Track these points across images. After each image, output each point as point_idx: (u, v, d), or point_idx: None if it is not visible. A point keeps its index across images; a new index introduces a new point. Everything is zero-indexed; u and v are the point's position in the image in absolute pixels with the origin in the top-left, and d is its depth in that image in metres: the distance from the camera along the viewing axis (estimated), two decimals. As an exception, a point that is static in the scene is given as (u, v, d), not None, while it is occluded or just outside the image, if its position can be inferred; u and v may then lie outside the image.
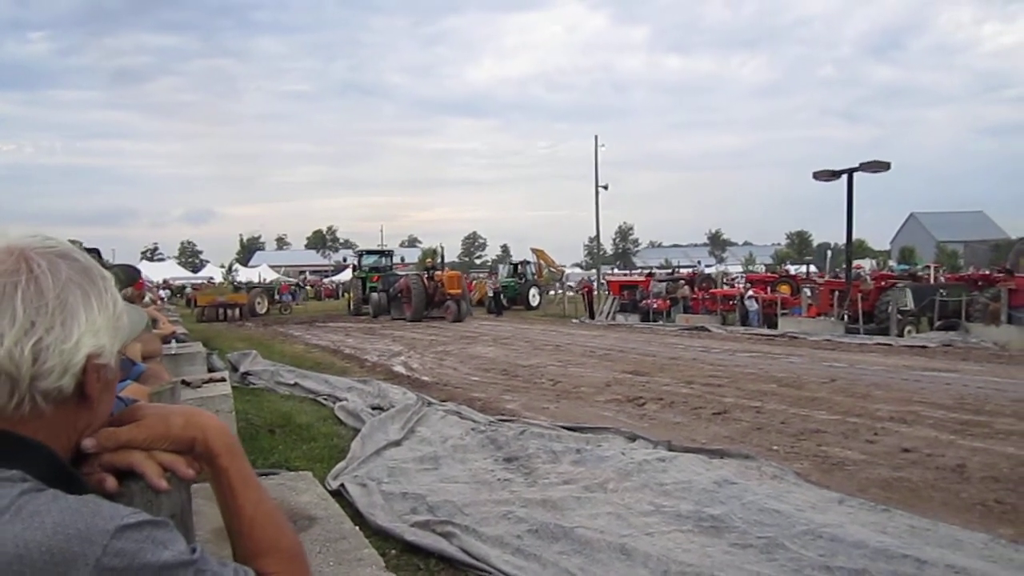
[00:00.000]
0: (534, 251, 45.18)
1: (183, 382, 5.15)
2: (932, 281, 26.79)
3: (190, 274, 76.26)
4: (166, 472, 1.01)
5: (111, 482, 0.98)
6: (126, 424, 1.02)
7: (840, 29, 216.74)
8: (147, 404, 1.10)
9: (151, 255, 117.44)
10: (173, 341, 7.40)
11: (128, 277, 4.07)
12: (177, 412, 1.06)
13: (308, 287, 59.38)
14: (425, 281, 31.06)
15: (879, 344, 17.52)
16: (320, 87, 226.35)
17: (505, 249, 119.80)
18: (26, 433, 0.91)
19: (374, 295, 34.75)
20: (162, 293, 46.23)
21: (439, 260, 36.29)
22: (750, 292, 25.70)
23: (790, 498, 5.39)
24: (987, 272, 26.09)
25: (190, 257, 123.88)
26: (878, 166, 22.50)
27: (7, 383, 0.88)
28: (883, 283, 22.89)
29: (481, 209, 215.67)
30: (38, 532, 0.81)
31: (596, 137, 49.30)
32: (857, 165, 22.51)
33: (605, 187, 49.12)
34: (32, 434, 0.91)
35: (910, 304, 20.93)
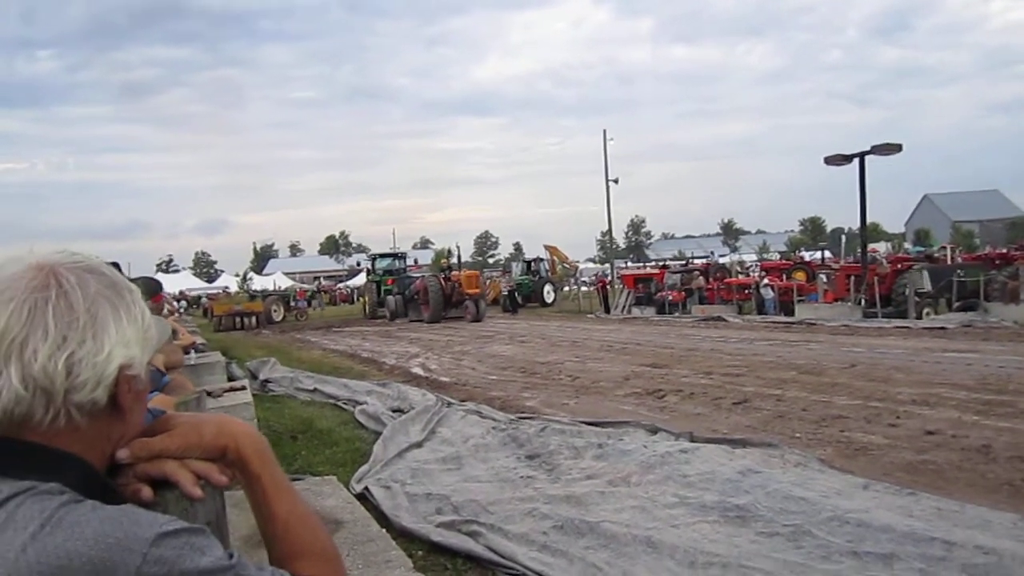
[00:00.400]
0: (547, 248, 45.18)
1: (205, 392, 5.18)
2: (949, 262, 26.57)
3: (205, 284, 76.72)
4: (200, 480, 1.02)
5: (146, 491, 0.99)
6: (158, 434, 1.03)
7: (846, 12, 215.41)
8: (178, 414, 1.11)
9: (166, 267, 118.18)
10: (192, 352, 7.46)
11: (149, 290, 4.09)
12: (208, 420, 1.07)
13: (323, 292, 59.60)
14: (442, 282, 30.73)
15: (897, 327, 17.42)
16: (327, 93, 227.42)
17: (518, 247, 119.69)
18: (62, 446, 0.92)
19: (390, 298, 34.58)
20: (177, 304, 46.50)
21: (455, 260, 35.94)
22: (765, 280, 25.61)
23: (815, 485, 5.36)
24: (1004, 251, 25.90)
25: (205, 267, 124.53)
26: (890, 148, 22.37)
27: (43, 397, 0.90)
28: (899, 266, 22.76)
29: (492, 208, 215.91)
30: (79, 543, 0.83)
31: (604, 131, 49.27)
32: (868, 148, 22.38)
33: (615, 181, 49.05)
34: (68, 447, 0.93)
35: (927, 286, 20.80)
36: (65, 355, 0.90)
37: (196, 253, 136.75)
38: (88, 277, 0.96)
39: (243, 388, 6.22)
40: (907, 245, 60.66)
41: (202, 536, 0.89)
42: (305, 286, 61.46)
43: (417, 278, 35.23)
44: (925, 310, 19.87)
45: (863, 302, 20.95)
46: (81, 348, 0.91)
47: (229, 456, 1.04)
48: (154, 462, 1.01)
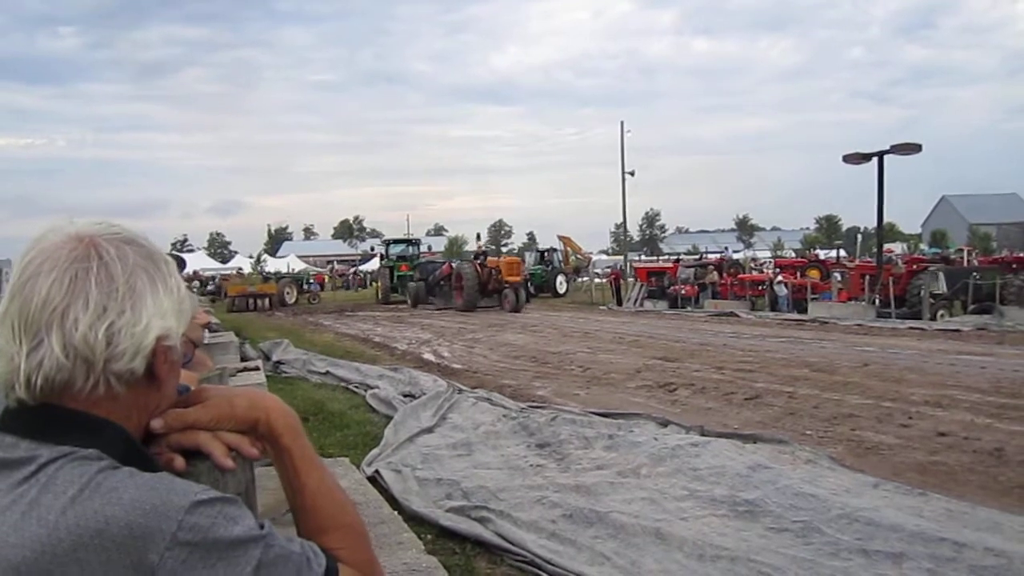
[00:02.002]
0: (561, 238, 45.04)
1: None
2: (965, 264, 26.41)
3: (220, 265, 76.98)
4: (231, 452, 1.03)
5: (179, 461, 1.01)
6: (192, 406, 1.05)
7: (869, 9, 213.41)
8: (211, 387, 1.13)
9: (181, 247, 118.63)
10: (207, 331, 7.50)
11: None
12: (240, 394, 1.09)
13: (338, 276, 59.74)
14: (477, 268, 28.75)
15: (911, 328, 17.34)
16: (346, 76, 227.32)
17: (532, 237, 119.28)
18: (101, 414, 0.94)
19: (411, 284, 33.48)
20: (197, 284, 46.66)
21: (482, 246, 33.34)
22: (780, 277, 25.52)
23: (825, 482, 5.36)
24: (1021, 254, 25.70)
25: (219, 248, 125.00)
26: (909, 148, 22.22)
27: (83, 365, 0.91)
28: (915, 267, 22.63)
29: (507, 197, 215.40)
30: (116, 507, 0.84)
31: (622, 123, 48.96)
32: (888, 148, 22.23)
33: (632, 173, 48.74)
34: (106, 415, 0.94)
35: (942, 288, 20.68)
36: (105, 325, 0.92)
37: (211, 234, 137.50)
38: (127, 248, 0.98)
39: (256, 368, 6.25)
40: (923, 246, 60.30)
41: (235, 506, 0.91)
42: (318, 270, 61.62)
43: (441, 263, 34.43)
44: (940, 312, 19.76)
45: (877, 302, 20.84)
46: (120, 318, 0.93)
47: (260, 429, 1.06)
48: (187, 433, 1.03)
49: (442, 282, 31.13)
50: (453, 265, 31.71)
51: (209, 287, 43.73)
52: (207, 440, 1.03)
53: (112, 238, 0.98)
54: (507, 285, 27.91)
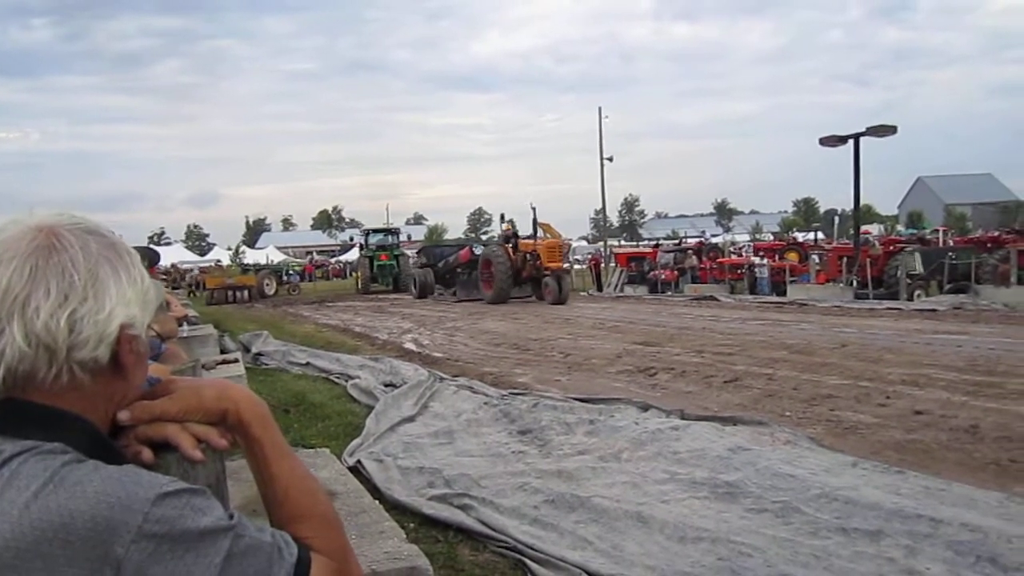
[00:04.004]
0: (540, 225, 45.06)
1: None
2: (941, 245, 26.66)
3: (198, 257, 76.45)
4: (200, 443, 1.03)
5: (147, 454, 1.00)
6: (160, 397, 1.04)
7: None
8: (180, 378, 1.12)
9: (158, 239, 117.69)
10: (185, 324, 7.45)
11: (147, 260, 4.07)
12: (209, 385, 1.08)
13: (317, 268, 59.51)
14: (510, 253, 24.61)
15: (889, 309, 17.50)
16: (325, 65, 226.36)
17: (512, 224, 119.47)
18: (65, 406, 0.93)
19: (417, 271, 30.24)
20: (187, 277, 46.25)
21: (510, 227, 27.29)
22: (765, 260, 25.69)
23: (804, 462, 5.41)
24: (996, 234, 25.98)
25: (197, 241, 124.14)
26: (884, 130, 22.40)
27: (45, 354, 0.90)
28: (892, 248, 22.83)
29: (487, 184, 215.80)
30: (81, 501, 0.83)
31: (600, 109, 49.10)
32: (863, 130, 22.38)
33: (610, 159, 48.96)
34: (70, 406, 0.93)
35: (919, 268, 20.88)
36: (67, 312, 0.91)
37: (188, 226, 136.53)
38: (88, 238, 0.97)
39: (236, 361, 6.21)
40: (900, 227, 60.87)
41: (203, 497, 0.90)
42: (300, 261, 61.38)
43: (454, 247, 31.90)
44: (916, 292, 19.95)
45: (855, 283, 21.03)
46: (83, 306, 0.92)
47: (230, 420, 1.05)
48: (155, 425, 1.02)
49: (459, 269, 27.91)
50: (475, 250, 27.97)
51: (184, 281, 43.29)
52: (175, 432, 1.02)
53: (73, 228, 0.97)
54: (547, 272, 23.89)
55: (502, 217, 27.46)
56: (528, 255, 24.38)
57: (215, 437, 1.04)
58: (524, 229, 26.02)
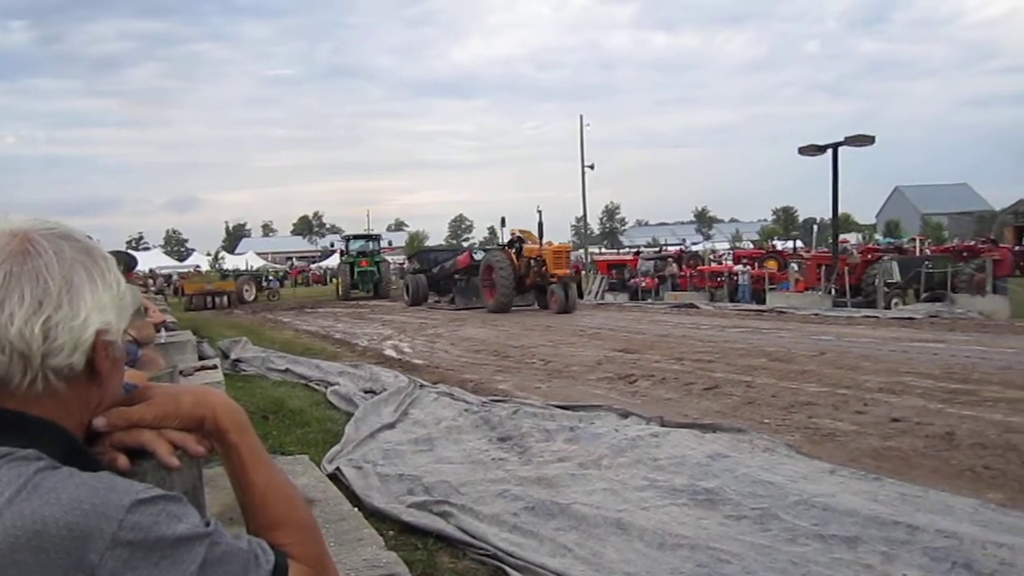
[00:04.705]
0: (521, 232, 45.08)
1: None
2: (918, 253, 26.97)
3: (176, 263, 75.93)
4: (177, 450, 1.02)
5: (123, 460, 0.99)
6: (136, 404, 1.03)
7: (825, 3, 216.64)
8: (156, 384, 1.11)
9: (136, 244, 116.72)
10: (163, 330, 7.38)
11: (124, 265, 4.03)
12: (186, 391, 1.08)
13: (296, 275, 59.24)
14: (513, 258, 23.19)
15: (867, 317, 17.64)
16: (305, 71, 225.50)
17: (492, 231, 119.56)
18: (40, 412, 0.92)
19: (410, 277, 29.05)
20: (154, 283, 45.97)
21: (515, 231, 25.47)
22: (745, 268, 25.85)
23: (782, 470, 5.44)
24: (972, 243, 26.31)
25: (176, 246, 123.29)
26: (862, 140, 22.61)
27: (20, 361, 0.90)
28: (870, 257, 23.04)
29: (468, 191, 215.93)
30: (55, 508, 0.83)
31: (581, 116, 49.27)
32: (842, 139, 22.59)
33: (591, 167, 49.12)
34: (45, 413, 0.93)
35: (896, 277, 21.10)
36: (41, 319, 0.90)
37: (167, 231, 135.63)
38: (63, 243, 0.96)
39: (214, 367, 6.16)
40: (878, 236, 61.44)
41: (179, 504, 0.89)
42: (278, 267, 61.07)
43: (450, 252, 31.10)
44: (894, 300, 20.15)
45: (833, 291, 21.20)
46: (57, 313, 0.91)
47: (207, 427, 1.04)
48: (131, 431, 1.01)
49: (457, 275, 26.62)
50: (475, 255, 26.61)
51: (155, 284, 42.91)
52: (152, 438, 1.01)
53: (48, 233, 0.96)
54: (554, 279, 22.31)
55: (503, 221, 25.74)
56: (533, 261, 22.93)
57: (192, 444, 1.03)
58: (505, 237, 25.43)
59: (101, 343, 0.95)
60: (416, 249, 32.37)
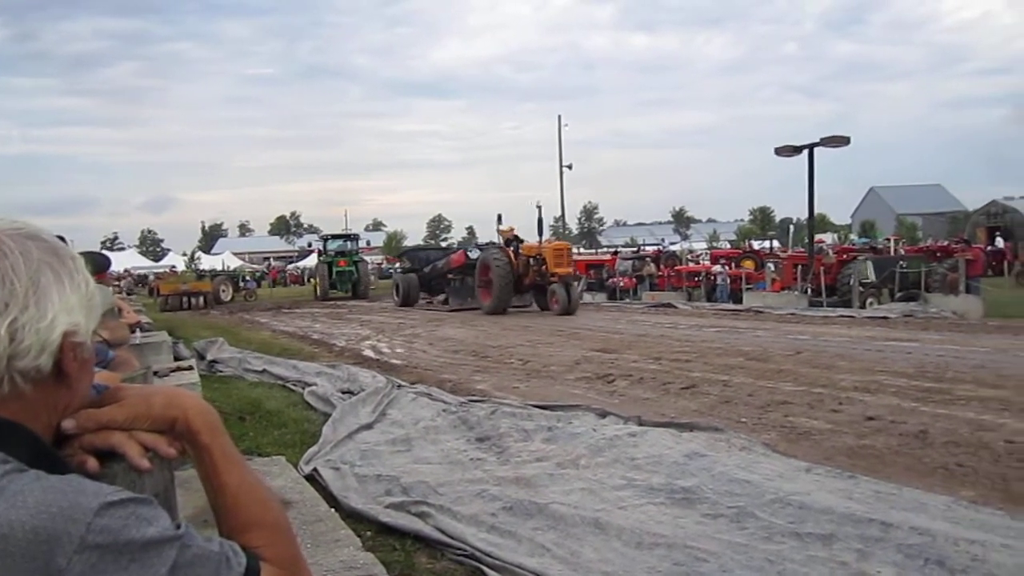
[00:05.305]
0: (500, 232, 45.08)
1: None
2: (892, 253, 27.24)
3: (152, 263, 75.25)
4: (148, 452, 1.01)
5: (92, 463, 0.98)
6: (106, 405, 1.02)
7: (803, 6, 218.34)
8: (127, 385, 1.10)
9: (111, 244, 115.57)
10: (138, 331, 7.31)
11: (97, 265, 3.99)
12: (157, 392, 1.06)
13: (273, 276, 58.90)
14: (512, 258, 22.12)
15: (842, 316, 17.81)
16: (284, 70, 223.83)
17: (471, 231, 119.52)
18: (6, 415, 0.91)
19: (400, 276, 28.01)
20: (122, 283, 45.47)
21: (513, 229, 24.18)
22: (723, 268, 26.01)
23: (759, 468, 5.47)
24: (945, 243, 26.63)
25: (151, 246, 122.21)
26: (838, 141, 22.80)
27: None
28: (845, 256, 23.25)
29: (446, 191, 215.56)
30: (22, 511, 0.81)
31: (560, 116, 49.38)
32: (818, 140, 22.76)
33: (569, 167, 49.22)
34: (12, 415, 0.91)
35: (871, 276, 21.31)
36: (7, 321, 0.89)
37: (142, 231, 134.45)
38: (29, 244, 0.95)
39: (190, 368, 6.11)
40: (853, 236, 61.98)
41: (149, 506, 0.88)
42: (255, 267, 60.68)
43: (442, 251, 30.32)
44: (869, 300, 20.34)
45: (809, 291, 21.37)
46: (24, 314, 0.90)
47: (178, 428, 1.03)
48: (101, 433, 1.00)
49: (450, 275, 25.66)
50: (470, 253, 25.43)
51: (124, 285, 42.44)
52: (122, 440, 1.00)
53: (13, 233, 0.95)
54: (554, 279, 21.32)
55: (499, 218, 24.31)
56: (532, 259, 21.84)
57: (163, 446, 1.02)
58: (484, 237, 25.37)
59: (69, 344, 0.94)
60: (405, 248, 31.17)
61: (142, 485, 1.00)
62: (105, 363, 2.68)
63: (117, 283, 38.06)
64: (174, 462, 1.08)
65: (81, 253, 1.03)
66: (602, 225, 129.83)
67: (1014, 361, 10.17)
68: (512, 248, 22.46)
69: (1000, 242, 35.94)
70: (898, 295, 20.28)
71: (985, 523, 4.30)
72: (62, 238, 1.07)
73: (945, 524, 4.26)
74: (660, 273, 28.62)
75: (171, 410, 1.03)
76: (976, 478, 5.42)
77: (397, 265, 32.35)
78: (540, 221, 23.68)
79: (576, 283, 22.52)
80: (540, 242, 22.89)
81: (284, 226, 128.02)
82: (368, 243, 44.39)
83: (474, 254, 24.78)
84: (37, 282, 0.92)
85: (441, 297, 27.10)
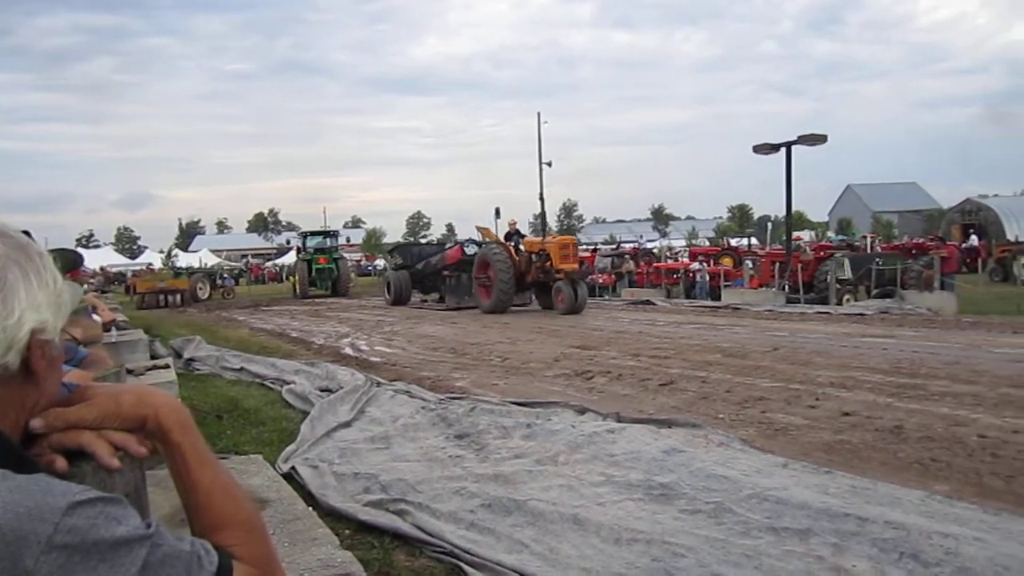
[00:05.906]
0: (480, 229, 44.97)
1: (126, 370, 5.04)
2: (868, 251, 27.49)
3: (128, 260, 74.50)
4: (118, 451, 1.00)
5: (61, 462, 0.97)
6: (75, 404, 1.01)
7: (781, 4, 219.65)
8: (97, 384, 1.09)
9: (86, 242, 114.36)
10: (113, 329, 7.24)
11: (68, 262, 3.94)
12: (127, 391, 1.05)
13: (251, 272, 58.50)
14: (513, 253, 20.84)
15: (819, 313, 17.95)
16: (262, 66, 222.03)
17: (450, 228, 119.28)
18: None
19: (392, 274, 26.76)
20: (94, 281, 44.91)
21: (514, 223, 23.40)
22: (702, 265, 26.13)
23: (736, 464, 5.50)
24: (920, 241, 26.90)
25: (127, 243, 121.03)
26: (815, 139, 22.95)
27: None
28: (822, 254, 23.44)
29: (425, 188, 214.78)
30: None
31: (539, 114, 49.20)
32: (795, 138, 22.92)
33: (549, 164, 48.86)
34: None
35: (848, 273, 21.51)
36: None
37: (118, 228, 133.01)
38: None
39: (167, 366, 6.06)
40: (830, 234, 62.39)
41: (118, 506, 0.87)
42: (233, 264, 60.28)
43: (436, 246, 29.43)
44: (845, 297, 20.52)
45: (787, 288, 21.52)
46: None
47: (149, 426, 1.02)
48: (70, 432, 0.99)
49: (445, 271, 24.47)
50: (467, 249, 24.12)
51: (95, 282, 41.92)
52: (91, 439, 0.99)
53: None
54: (560, 276, 19.95)
55: (497, 212, 23.07)
56: (536, 255, 20.53)
57: (133, 444, 1.01)
58: (463, 234, 25.06)
59: (36, 342, 0.93)
60: (397, 243, 30.05)
61: (112, 484, 0.99)
62: (76, 361, 2.65)
63: (91, 280, 37.61)
64: (145, 461, 1.07)
65: (52, 250, 1.02)
66: (581, 222, 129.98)
67: (987, 357, 10.30)
68: (513, 243, 21.41)
69: (974, 240, 36.32)
70: (874, 292, 20.48)
71: (959, 517, 4.35)
72: (28, 233, 1.05)
73: (920, 518, 4.31)
74: (639, 270, 28.72)
75: (141, 408, 1.02)
76: (950, 473, 5.49)
77: (382, 262, 31.48)
78: (543, 215, 22.62)
79: (584, 280, 21.35)
80: (544, 237, 21.77)
81: (262, 223, 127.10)
82: (348, 240, 44.03)
83: (471, 250, 23.74)
84: (4, 279, 0.91)
85: (437, 295, 26.07)
